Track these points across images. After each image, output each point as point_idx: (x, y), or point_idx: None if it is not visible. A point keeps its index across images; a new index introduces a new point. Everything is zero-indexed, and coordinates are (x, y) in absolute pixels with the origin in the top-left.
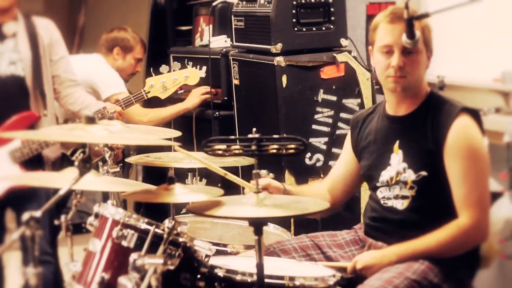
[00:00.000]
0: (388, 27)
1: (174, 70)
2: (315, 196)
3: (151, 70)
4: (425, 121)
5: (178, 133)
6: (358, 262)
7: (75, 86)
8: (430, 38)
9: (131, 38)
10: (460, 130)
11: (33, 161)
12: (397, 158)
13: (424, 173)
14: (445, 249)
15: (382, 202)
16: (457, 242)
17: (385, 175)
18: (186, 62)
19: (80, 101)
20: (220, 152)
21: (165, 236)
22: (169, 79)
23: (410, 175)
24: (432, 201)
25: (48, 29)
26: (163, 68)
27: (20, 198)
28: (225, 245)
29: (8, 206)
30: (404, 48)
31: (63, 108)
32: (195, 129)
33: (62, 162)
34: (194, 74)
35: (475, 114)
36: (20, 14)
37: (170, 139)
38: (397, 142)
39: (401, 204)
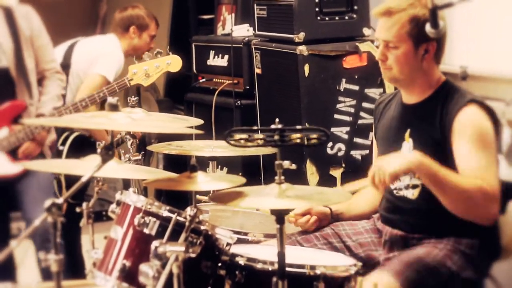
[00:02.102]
0: (378, 21)
1: (156, 57)
2: (368, 201)
3: (134, 58)
4: (435, 111)
5: (199, 121)
6: (382, 167)
7: (49, 78)
8: (423, 29)
9: (146, 16)
10: (467, 116)
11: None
12: (407, 146)
13: None
14: (458, 194)
15: (394, 192)
16: (477, 195)
17: None
18: (208, 51)
19: (43, 89)
20: (242, 142)
21: (187, 223)
22: (151, 66)
23: None
24: None
25: (27, 19)
26: (146, 55)
27: (17, 184)
28: (246, 234)
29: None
30: (386, 42)
31: None
32: (217, 118)
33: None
34: (176, 60)
35: (484, 106)
36: None
37: (191, 128)
38: (408, 131)
39: (411, 194)
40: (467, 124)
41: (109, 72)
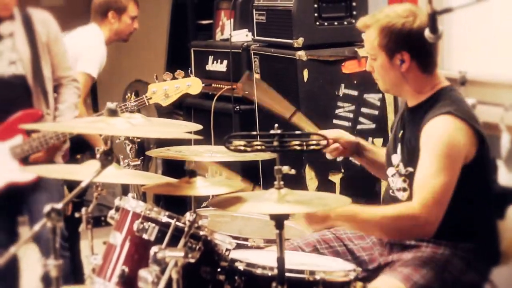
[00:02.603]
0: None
1: (177, 78)
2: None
3: (155, 77)
4: (422, 117)
5: (198, 126)
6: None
7: (66, 85)
8: (397, 39)
9: None
10: (434, 124)
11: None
12: (400, 147)
13: (410, 169)
14: (388, 226)
15: (390, 192)
16: (402, 223)
17: (394, 159)
18: (207, 56)
19: (59, 97)
20: (241, 147)
21: (186, 229)
22: (171, 86)
23: (401, 169)
24: None
25: (45, 25)
26: (166, 75)
27: (27, 190)
28: (245, 239)
29: (15, 198)
30: (369, 54)
31: None
32: (216, 123)
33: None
34: (196, 83)
35: (460, 118)
36: (18, 11)
37: (190, 133)
38: (401, 132)
39: (401, 196)
40: (431, 132)
41: (93, 68)
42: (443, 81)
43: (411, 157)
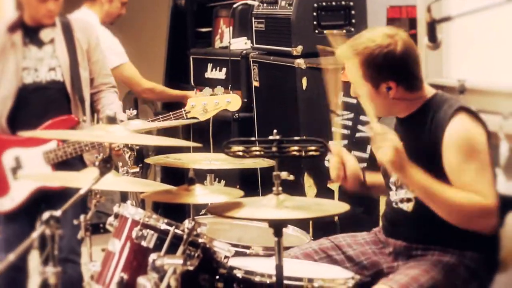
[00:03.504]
0: None
1: (217, 94)
2: None
3: (194, 91)
4: (424, 123)
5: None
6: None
7: (106, 91)
8: (381, 70)
9: None
10: (455, 126)
11: (73, 163)
12: None
13: None
14: (453, 209)
15: (393, 204)
16: (470, 211)
17: (394, 175)
18: (206, 63)
19: (106, 108)
20: (240, 153)
21: (185, 236)
22: (211, 102)
23: None
24: None
25: (86, 33)
26: (206, 90)
27: (53, 198)
28: (244, 247)
29: (42, 205)
30: (354, 84)
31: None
32: (215, 131)
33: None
34: (236, 100)
35: (472, 113)
36: (58, 19)
37: (189, 140)
38: (401, 143)
39: (407, 207)
40: (455, 135)
41: (122, 56)
42: (429, 88)
43: (420, 162)
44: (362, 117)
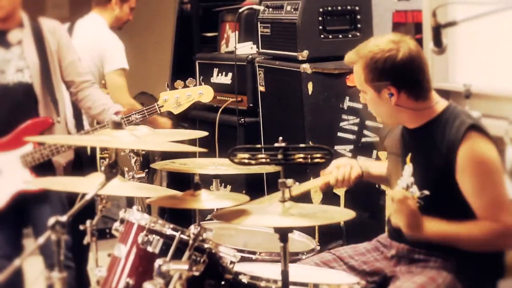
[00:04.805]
0: None
1: (188, 86)
2: None
3: (166, 85)
4: (435, 137)
5: (204, 133)
6: (408, 198)
7: (90, 87)
8: (381, 74)
9: None
10: (470, 149)
11: (44, 166)
12: (408, 170)
13: (426, 192)
14: (473, 243)
15: None
16: (485, 240)
17: (400, 184)
18: (212, 68)
19: (98, 104)
20: (245, 161)
21: (190, 242)
22: (183, 95)
23: (415, 191)
24: (439, 209)
25: (55, 34)
26: (178, 83)
27: (32, 201)
28: (250, 252)
29: (20, 209)
30: (360, 89)
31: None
32: (221, 136)
33: (74, 167)
34: (208, 91)
35: (483, 131)
36: (27, 19)
37: (195, 146)
38: (410, 155)
39: None
40: (469, 161)
41: (124, 60)
42: (440, 100)
43: (427, 179)
44: (367, 122)
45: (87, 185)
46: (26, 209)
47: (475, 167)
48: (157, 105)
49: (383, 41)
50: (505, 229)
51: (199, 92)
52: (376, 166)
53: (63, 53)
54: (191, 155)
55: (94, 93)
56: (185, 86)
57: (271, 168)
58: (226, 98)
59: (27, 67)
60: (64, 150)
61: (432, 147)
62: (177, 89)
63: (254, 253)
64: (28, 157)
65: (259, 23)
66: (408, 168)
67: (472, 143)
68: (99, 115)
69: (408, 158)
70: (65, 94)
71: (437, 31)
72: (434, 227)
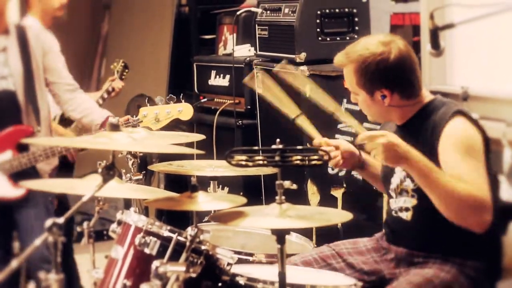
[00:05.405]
0: None
1: (168, 103)
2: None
3: (146, 100)
4: (422, 127)
5: (201, 136)
6: (387, 135)
7: (74, 91)
8: (374, 78)
9: None
10: (453, 127)
11: (27, 173)
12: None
13: None
14: (448, 196)
15: (393, 212)
16: (463, 201)
17: (394, 182)
18: (209, 70)
19: (81, 108)
20: (242, 163)
21: (187, 243)
22: (162, 111)
23: (409, 184)
24: (434, 209)
25: (39, 39)
26: (158, 99)
27: (16, 206)
28: (247, 254)
29: (6, 213)
30: (351, 90)
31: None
32: (218, 138)
33: (59, 172)
34: (187, 109)
35: (471, 118)
36: (13, 26)
37: (193, 147)
38: None
39: (405, 216)
40: (452, 134)
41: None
42: (428, 94)
43: None
44: (365, 124)
45: (85, 187)
46: (10, 213)
47: (456, 142)
48: (137, 120)
49: (373, 43)
50: (481, 198)
51: (178, 109)
52: (373, 159)
53: (48, 57)
54: (189, 157)
55: (78, 97)
56: (166, 103)
57: (269, 170)
58: (223, 100)
59: (11, 75)
60: (43, 159)
61: (420, 136)
62: (157, 104)
63: (251, 255)
64: (6, 165)
65: (257, 25)
66: None
67: (457, 123)
68: (82, 118)
69: None
70: (51, 102)
71: (434, 33)
72: (421, 161)
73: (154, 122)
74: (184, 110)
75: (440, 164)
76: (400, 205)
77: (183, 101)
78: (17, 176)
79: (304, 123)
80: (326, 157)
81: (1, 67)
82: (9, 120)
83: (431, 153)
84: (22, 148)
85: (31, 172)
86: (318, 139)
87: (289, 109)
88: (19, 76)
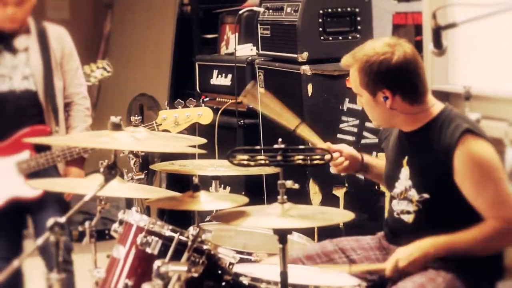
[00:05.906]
0: None
1: (188, 106)
2: None
3: (166, 104)
4: (431, 140)
5: (203, 140)
6: (400, 260)
7: (77, 106)
8: (375, 78)
9: None
10: (466, 151)
11: (48, 173)
12: (405, 173)
13: (426, 195)
14: (480, 246)
15: (395, 213)
16: (492, 240)
17: (398, 187)
18: (211, 70)
19: (71, 121)
20: (244, 162)
21: (189, 243)
22: (182, 114)
23: (414, 194)
24: (437, 218)
25: (60, 41)
26: (178, 103)
27: (34, 206)
28: (249, 253)
29: (20, 212)
30: (356, 92)
31: None
32: (220, 137)
33: None
34: (207, 113)
35: (477, 133)
36: (34, 26)
37: (194, 147)
38: (406, 158)
39: (407, 218)
40: (467, 163)
41: None
42: (436, 102)
43: (426, 182)
44: (367, 124)
45: (87, 186)
46: (27, 211)
47: (473, 169)
48: (155, 123)
49: (379, 44)
50: (509, 225)
51: (198, 113)
52: (376, 160)
53: (64, 61)
54: (191, 156)
55: (76, 116)
56: (185, 106)
57: (271, 170)
58: (225, 100)
59: (32, 74)
60: (61, 160)
61: (428, 150)
62: (176, 108)
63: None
64: (24, 164)
65: (259, 24)
66: (405, 171)
67: (468, 146)
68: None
69: (404, 161)
70: None
71: (437, 33)
72: (438, 245)
73: (173, 126)
74: (204, 114)
75: (460, 189)
76: (402, 208)
77: (203, 105)
78: (37, 176)
79: (305, 132)
80: (327, 157)
81: (23, 67)
82: (32, 120)
83: (444, 174)
84: (41, 148)
85: (52, 173)
86: (321, 145)
87: (288, 121)
88: (40, 76)
